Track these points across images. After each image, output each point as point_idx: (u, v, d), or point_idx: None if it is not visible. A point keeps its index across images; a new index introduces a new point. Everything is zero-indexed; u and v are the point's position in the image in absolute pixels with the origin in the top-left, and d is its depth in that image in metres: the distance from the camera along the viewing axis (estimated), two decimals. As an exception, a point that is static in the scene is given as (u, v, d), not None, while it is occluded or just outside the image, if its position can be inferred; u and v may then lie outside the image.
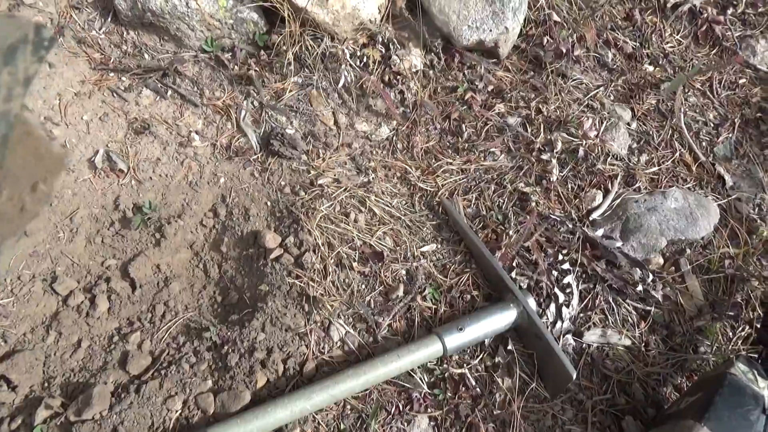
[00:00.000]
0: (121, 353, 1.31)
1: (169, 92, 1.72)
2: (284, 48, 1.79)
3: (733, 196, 1.82)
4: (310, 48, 1.81)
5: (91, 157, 1.56)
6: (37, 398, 1.22)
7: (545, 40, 2.04)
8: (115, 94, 1.68)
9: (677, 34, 2.22)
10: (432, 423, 1.36)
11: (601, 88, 2.01)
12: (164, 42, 1.79)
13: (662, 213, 1.68)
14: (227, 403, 1.24)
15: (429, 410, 1.36)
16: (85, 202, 1.51)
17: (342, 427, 1.30)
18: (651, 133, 1.95)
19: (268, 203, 1.60)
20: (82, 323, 1.35)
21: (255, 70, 1.78)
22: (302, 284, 1.44)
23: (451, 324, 1.40)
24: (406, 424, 1.34)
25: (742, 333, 1.58)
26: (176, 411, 1.21)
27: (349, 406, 1.33)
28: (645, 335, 1.55)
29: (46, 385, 1.25)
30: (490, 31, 1.90)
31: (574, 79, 2.01)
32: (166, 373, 1.27)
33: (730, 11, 2.28)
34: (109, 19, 1.76)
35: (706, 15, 2.25)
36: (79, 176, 1.53)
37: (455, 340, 1.37)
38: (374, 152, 1.77)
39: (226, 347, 1.32)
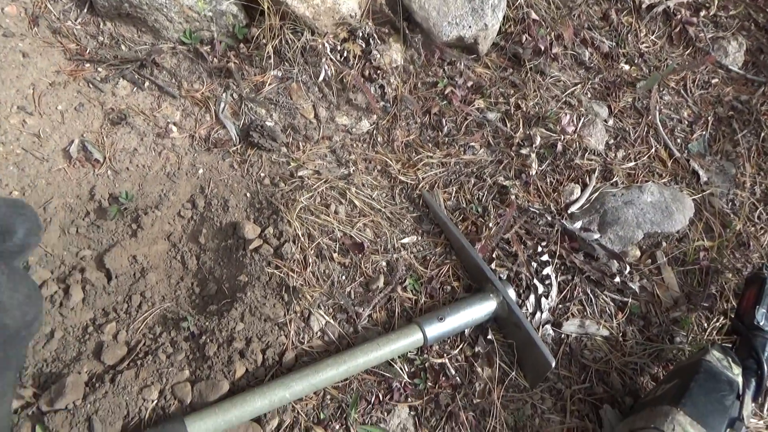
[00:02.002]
0: (96, 343, 1.28)
1: (147, 83, 1.70)
2: (264, 41, 1.78)
3: (707, 191, 1.85)
4: (290, 41, 1.80)
5: (65, 147, 1.54)
6: (7, 389, 1.18)
7: (524, 38, 2.07)
8: (91, 85, 1.65)
9: (652, 35, 2.26)
10: (412, 412, 1.35)
11: (579, 86, 2.04)
12: (142, 33, 1.77)
13: (639, 206, 1.70)
14: (205, 393, 1.22)
15: (409, 399, 1.36)
16: (60, 191, 1.48)
17: (321, 416, 1.29)
18: (627, 129, 1.98)
19: (248, 194, 1.58)
20: (55, 314, 1.32)
21: (234, 63, 1.77)
22: (282, 275, 1.43)
23: (431, 314, 1.40)
24: (386, 414, 1.33)
25: (717, 323, 1.60)
26: (152, 401, 1.19)
27: (329, 396, 1.32)
28: (622, 326, 1.57)
29: (17, 375, 1.21)
30: (470, 27, 1.92)
31: (552, 77, 2.03)
32: (142, 363, 1.24)
33: (702, 13, 2.34)
34: (86, 10, 1.74)
35: (679, 16, 2.30)
36: (53, 166, 1.50)
37: (435, 329, 1.37)
38: (354, 145, 1.77)
39: (204, 337, 1.30)
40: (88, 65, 1.68)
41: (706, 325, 1.60)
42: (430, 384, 1.38)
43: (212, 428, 1.15)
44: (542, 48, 2.04)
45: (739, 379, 1.31)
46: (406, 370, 1.39)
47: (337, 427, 1.29)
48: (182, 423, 1.13)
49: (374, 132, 1.81)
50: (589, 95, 2.04)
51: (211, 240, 1.52)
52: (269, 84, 1.77)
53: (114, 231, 1.47)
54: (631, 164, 1.89)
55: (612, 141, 1.94)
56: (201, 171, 1.60)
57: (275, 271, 1.43)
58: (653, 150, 1.94)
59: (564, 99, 1.98)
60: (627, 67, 2.16)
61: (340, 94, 1.84)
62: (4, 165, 1.45)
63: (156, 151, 1.60)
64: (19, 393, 1.16)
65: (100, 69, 1.68)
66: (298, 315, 1.40)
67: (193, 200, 1.56)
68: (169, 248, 1.51)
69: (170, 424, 1.13)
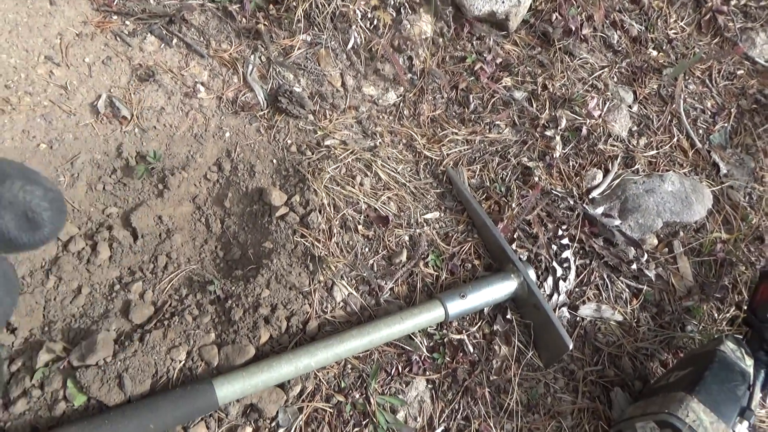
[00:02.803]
0: (123, 302, 1.29)
1: (175, 40, 1.67)
2: (294, 4, 1.75)
3: (726, 184, 1.87)
4: (320, 6, 1.77)
5: (93, 102, 1.52)
6: (37, 342, 1.20)
7: (554, 17, 2.04)
8: (118, 38, 1.62)
9: (681, 21, 2.24)
10: (429, 386, 1.38)
11: (606, 69, 2.02)
12: (170, -12, 1.73)
13: (659, 195, 1.71)
14: (231, 357, 1.24)
15: (427, 373, 1.39)
16: (87, 147, 1.47)
17: (343, 385, 1.32)
18: (651, 117, 1.98)
19: (274, 161, 1.58)
20: (82, 270, 1.32)
21: (264, 25, 1.74)
22: (307, 244, 1.44)
23: (453, 291, 1.42)
24: (404, 385, 1.36)
25: (728, 315, 1.64)
26: (180, 361, 1.21)
27: (350, 366, 1.34)
28: (636, 312, 1.60)
29: (46, 329, 1.22)
30: (503, 2, 1.89)
31: (581, 58, 2.01)
32: (169, 324, 1.26)
33: (733, 2, 2.31)
34: (114, -41, 1.69)
35: (710, 4, 2.27)
36: (80, 120, 1.49)
37: (457, 306, 1.39)
38: (381, 117, 1.76)
39: (229, 301, 1.32)
40: (115, 18, 1.64)
41: (717, 315, 1.63)
42: (448, 359, 1.41)
43: (239, 391, 1.17)
44: (572, 28, 2.02)
45: (751, 371, 1.34)
46: (426, 344, 1.42)
47: (357, 395, 1.32)
48: (210, 385, 1.15)
49: (401, 104, 1.80)
50: (615, 79, 2.03)
51: (236, 204, 1.52)
52: (298, 48, 1.75)
53: (140, 190, 1.47)
54: (653, 152, 1.89)
55: (635, 128, 1.94)
56: (228, 134, 1.59)
57: (301, 239, 1.43)
58: (675, 139, 1.94)
59: (591, 82, 1.97)
60: (655, 53, 2.14)
61: (368, 64, 1.82)
62: (31, 116, 1.44)
63: (183, 111, 1.59)
64: (49, 346, 1.17)
65: (127, 22, 1.65)
66: (322, 285, 1.41)
67: (219, 163, 1.55)
68: (193, 210, 1.51)
69: (199, 385, 1.15)
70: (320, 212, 1.49)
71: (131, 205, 1.45)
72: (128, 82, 1.57)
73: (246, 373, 1.18)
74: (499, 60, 1.94)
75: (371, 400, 1.31)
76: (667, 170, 1.84)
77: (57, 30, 1.55)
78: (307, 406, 1.28)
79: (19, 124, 1.42)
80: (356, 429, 1.28)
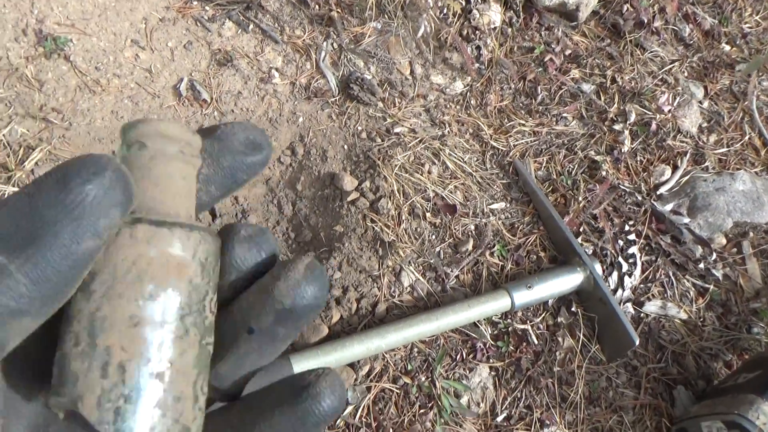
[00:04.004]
0: (204, 277, 1.35)
1: (251, 26, 1.72)
2: (366, -8, 1.77)
3: (799, 185, 1.81)
4: (391, -6, 1.79)
5: (175, 85, 1.58)
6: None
7: (625, 8, 2.01)
8: (198, 24, 1.68)
9: (757, 15, 2.17)
10: (492, 373, 1.41)
11: (677, 63, 1.98)
12: (247, -26, 1.77)
13: (730, 194, 1.68)
14: (306, 334, 1.29)
15: (491, 361, 1.41)
16: (170, 128, 1.53)
17: (409, 367, 1.36)
18: (722, 113, 1.93)
19: (345, 147, 1.61)
20: (165, 245, 1.39)
21: (337, 12, 1.77)
22: (377, 229, 1.47)
23: (519, 281, 1.43)
24: (468, 372, 1.39)
25: (796, 319, 1.61)
26: (258, 336, 1.27)
27: (416, 349, 1.38)
28: (702, 311, 1.58)
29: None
30: (574, -7, 1.87)
31: (651, 51, 1.98)
32: (248, 301, 1.31)
33: (813, -4, 2.22)
34: (195, -54, 1.74)
35: (789, -3, 2.19)
36: (164, 102, 1.55)
37: (523, 297, 1.41)
38: (448, 106, 1.78)
39: (303, 282, 1.37)
40: (195, 3, 1.70)
41: (785, 319, 1.60)
42: (512, 348, 1.43)
43: (314, 368, 1.22)
44: (644, 20, 1.98)
45: (823, 377, 1.32)
46: (490, 332, 1.44)
47: (423, 378, 1.35)
48: (288, 361, 1.20)
49: (468, 94, 1.81)
50: (686, 74, 1.98)
51: (308, 188, 1.56)
52: (368, 36, 1.77)
53: (219, 171, 1.53)
54: (724, 150, 1.85)
55: (705, 124, 1.90)
56: (301, 119, 1.63)
57: (371, 224, 1.47)
58: (747, 137, 1.90)
59: (661, 76, 1.93)
60: (727, 47, 2.08)
61: (437, 52, 1.83)
62: (119, 98, 1.51)
63: (259, 95, 1.63)
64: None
65: (207, 8, 1.70)
66: (390, 269, 1.45)
67: (292, 147, 1.60)
68: (266, 192, 1.56)
69: (278, 361, 1.20)
70: (390, 198, 1.52)
71: (210, 185, 1.51)
72: (208, 67, 1.63)
73: (321, 351, 1.23)
74: (567, 51, 1.92)
75: (436, 384, 1.35)
76: (738, 169, 1.80)
77: (142, 15, 1.62)
78: (375, 386, 1.32)
79: (108, 105, 1.50)
80: (422, 410, 1.32)
